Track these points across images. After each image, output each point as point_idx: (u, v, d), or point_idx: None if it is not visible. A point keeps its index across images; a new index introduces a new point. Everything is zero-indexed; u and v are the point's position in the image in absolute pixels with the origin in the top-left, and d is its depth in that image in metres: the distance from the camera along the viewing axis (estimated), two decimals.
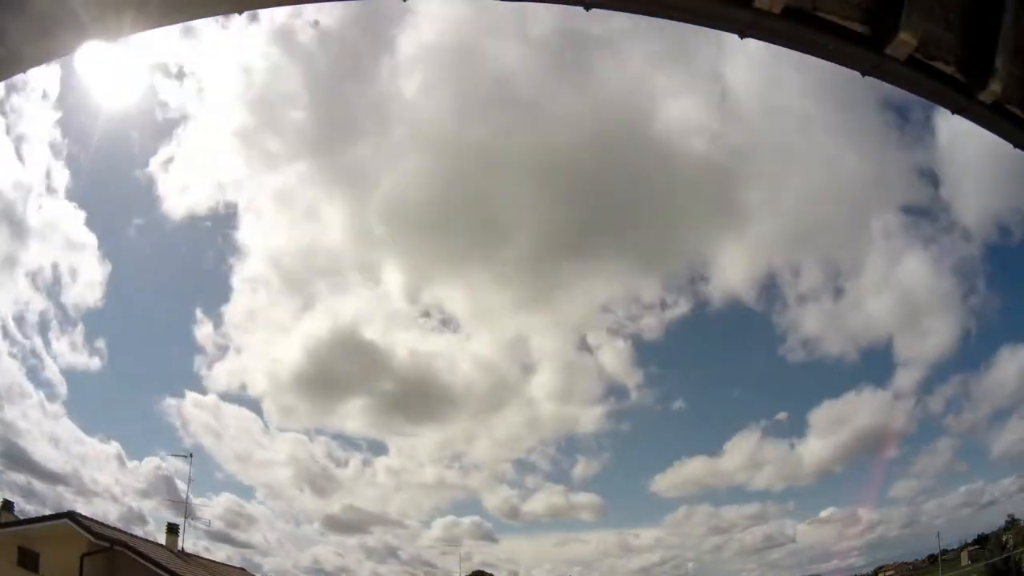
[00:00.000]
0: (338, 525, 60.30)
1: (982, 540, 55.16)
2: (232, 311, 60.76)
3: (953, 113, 5.83)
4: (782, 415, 65.25)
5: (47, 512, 26.64)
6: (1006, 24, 5.29)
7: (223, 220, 63.77)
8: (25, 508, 29.20)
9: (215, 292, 67.45)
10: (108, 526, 23.62)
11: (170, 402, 61.28)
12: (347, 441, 65.31)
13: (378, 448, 62.31)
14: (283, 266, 60.61)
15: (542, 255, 60.79)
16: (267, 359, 58.22)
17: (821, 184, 61.29)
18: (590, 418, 64.90)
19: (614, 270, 62.92)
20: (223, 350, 61.66)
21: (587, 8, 5.67)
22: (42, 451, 47.86)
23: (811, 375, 68.62)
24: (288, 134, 59.36)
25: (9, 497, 28.73)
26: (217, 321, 62.38)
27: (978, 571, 50.40)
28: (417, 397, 60.51)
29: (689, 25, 5.80)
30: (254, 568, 37.03)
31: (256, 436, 59.26)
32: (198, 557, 27.93)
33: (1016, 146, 5.94)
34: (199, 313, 60.95)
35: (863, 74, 5.75)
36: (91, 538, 20.50)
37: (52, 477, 47.25)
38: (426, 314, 63.45)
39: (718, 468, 61.57)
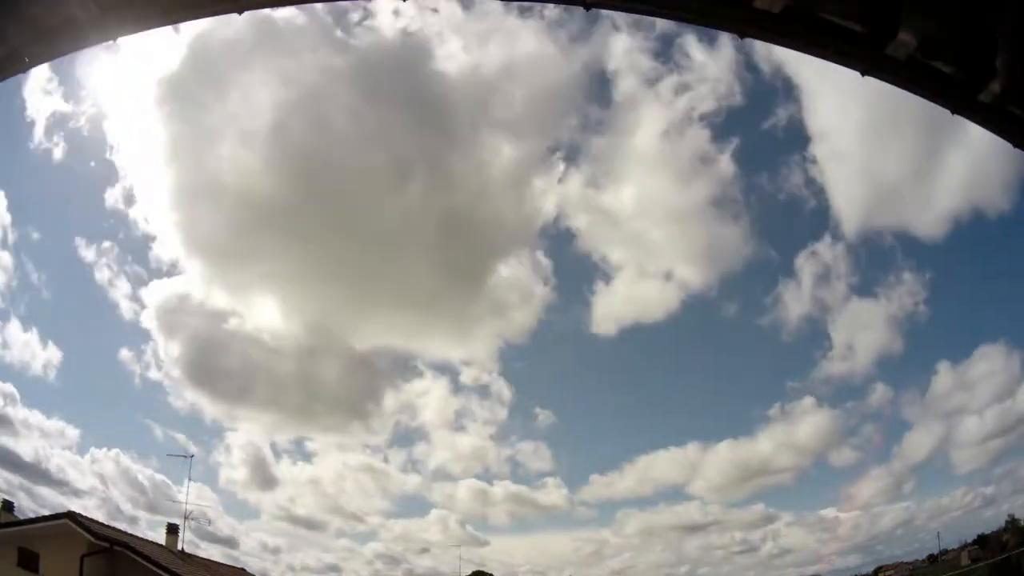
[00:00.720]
0: (300, 524, 60.21)
1: (982, 540, 55.13)
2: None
3: (953, 113, 5.83)
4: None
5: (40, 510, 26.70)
6: (1006, 24, 5.29)
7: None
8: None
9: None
10: (108, 526, 23.61)
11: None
12: (294, 442, 65.13)
13: (314, 451, 62.36)
14: None
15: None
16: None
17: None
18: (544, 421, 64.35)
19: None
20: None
21: (587, 8, 5.68)
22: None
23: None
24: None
25: None
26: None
27: (978, 571, 50.41)
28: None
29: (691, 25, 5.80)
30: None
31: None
32: (198, 557, 27.91)
33: (1016, 146, 5.94)
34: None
35: (863, 74, 5.75)
36: (91, 538, 20.47)
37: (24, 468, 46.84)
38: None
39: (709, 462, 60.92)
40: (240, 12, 5.73)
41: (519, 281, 61.48)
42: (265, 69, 51.32)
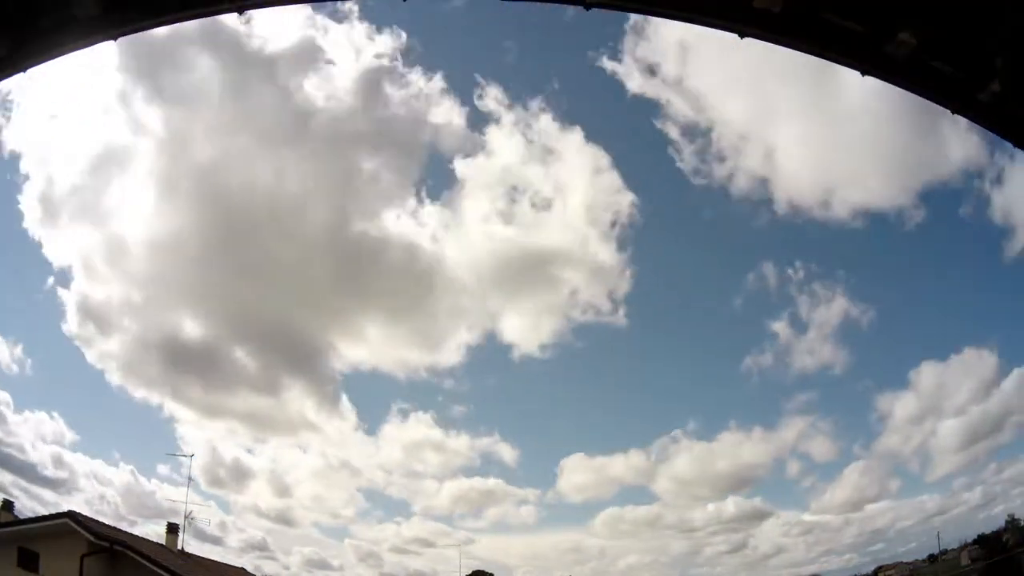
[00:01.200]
0: (277, 522, 60.06)
1: (982, 540, 55.12)
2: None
3: (953, 113, 5.84)
4: None
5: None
6: (1006, 24, 5.30)
7: None
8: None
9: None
10: (108, 526, 23.59)
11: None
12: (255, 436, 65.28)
13: (274, 451, 62.22)
14: None
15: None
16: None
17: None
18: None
19: None
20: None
21: (587, 8, 5.69)
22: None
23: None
24: None
25: None
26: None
27: (978, 571, 50.42)
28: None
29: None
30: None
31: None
32: (198, 557, 27.92)
33: (1016, 145, 5.95)
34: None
35: (863, 74, 5.75)
36: (91, 538, 20.42)
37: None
38: None
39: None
40: (240, 12, 5.75)
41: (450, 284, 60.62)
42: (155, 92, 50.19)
